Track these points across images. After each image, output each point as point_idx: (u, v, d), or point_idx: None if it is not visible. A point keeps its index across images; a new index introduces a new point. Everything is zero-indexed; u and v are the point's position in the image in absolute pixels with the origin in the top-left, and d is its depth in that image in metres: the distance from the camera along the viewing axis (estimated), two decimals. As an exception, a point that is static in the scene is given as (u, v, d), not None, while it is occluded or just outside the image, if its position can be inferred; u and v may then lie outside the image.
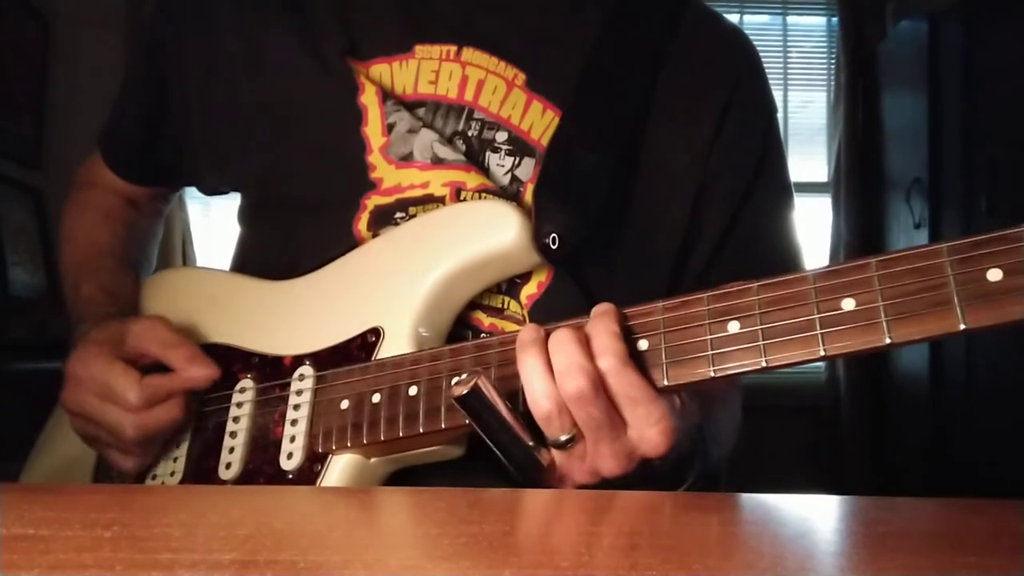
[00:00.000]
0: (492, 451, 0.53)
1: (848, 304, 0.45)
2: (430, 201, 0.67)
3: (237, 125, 0.74)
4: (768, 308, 0.48)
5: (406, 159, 0.68)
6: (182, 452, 0.68)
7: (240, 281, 0.74)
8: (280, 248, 0.74)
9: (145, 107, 0.82)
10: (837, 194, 2.89)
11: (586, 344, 0.51)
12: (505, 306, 0.67)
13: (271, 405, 0.65)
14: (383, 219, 0.68)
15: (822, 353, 0.46)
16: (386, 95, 0.69)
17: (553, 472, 0.54)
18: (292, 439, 0.62)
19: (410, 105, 0.70)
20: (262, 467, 0.63)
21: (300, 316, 0.68)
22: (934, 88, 2.45)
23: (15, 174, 2.45)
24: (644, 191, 0.71)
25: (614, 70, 0.71)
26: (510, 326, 0.66)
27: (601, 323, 0.51)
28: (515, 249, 0.62)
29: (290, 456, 0.62)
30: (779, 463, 2.55)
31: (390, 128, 0.69)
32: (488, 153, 0.69)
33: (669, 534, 0.38)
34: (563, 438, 0.52)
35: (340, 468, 0.60)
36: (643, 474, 0.53)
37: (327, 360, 0.64)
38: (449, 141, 0.69)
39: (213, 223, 2.85)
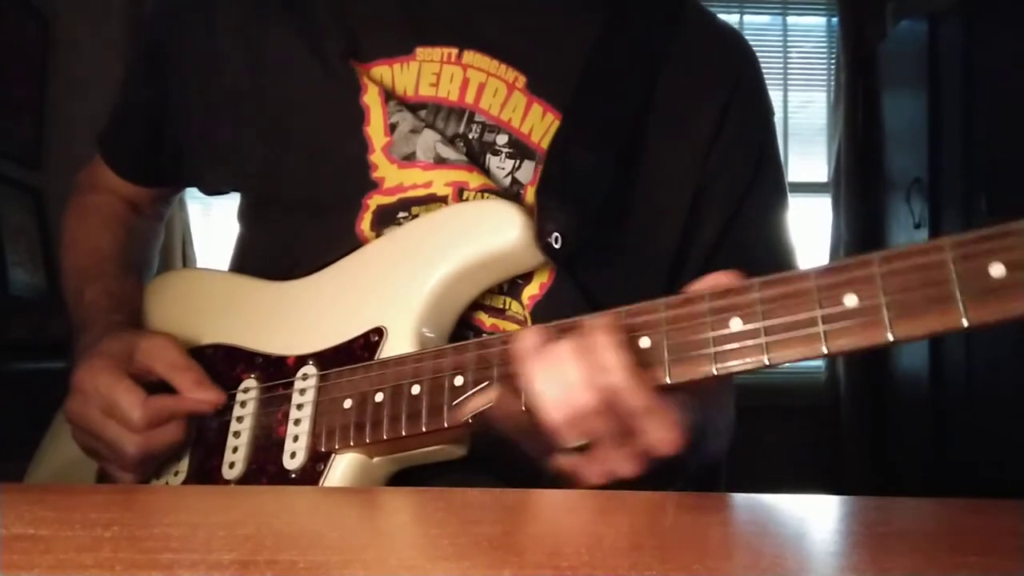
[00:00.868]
0: (500, 451, 0.53)
1: (850, 301, 0.45)
2: (433, 201, 0.67)
3: (237, 125, 0.74)
4: (770, 305, 0.48)
5: (409, 159, 0.68)
6: (186, 452, 0.68)
7: (243, 282, 0.74)
8: (281, 248, 0.73)
9: (145, 108, 0.82)
10: (837, 194, 2.89)
11: (590, 357, 0.50)
12: (507, 307, 0.67)
13: (274, 405, 0.65)
14: (386, 219, 0.68)
15: (824, 350, 0.45)
16: (388, 95, 0.69)
17: (567, 475, 0.54)
18: (295, 438, 0.62)
19: (411, 107, 0.70)
20: (265, 466, 0.63)
21: (303, 316, 0.68)
22: (934, 88, 2.45)
23: (15, 174, 2.45)
24: (644, 192, 0.71)
25: (614, 72, 0.71)
26: (512, 327, 0.67)
27: (604, 337, 0.50)
28: (518, 249, 0.62)
29: (293, 455, 0.62)
30: (779, 463, 2.56)
31: (392, 128, 0.69)
32: (489, 156, 0.69)
33: (669, 534, 0.38)
34: (575, 445, 0.52)
35: (343, 467, 0.60)
36: (653, 468, 0.53)
37: (330, 360, 0.64)
38: (451, 142, 0.69)
39: (213, 223, 2.85)
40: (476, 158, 0.69)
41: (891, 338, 0.44)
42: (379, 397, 0.59)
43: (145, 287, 0.81)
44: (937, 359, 2.41)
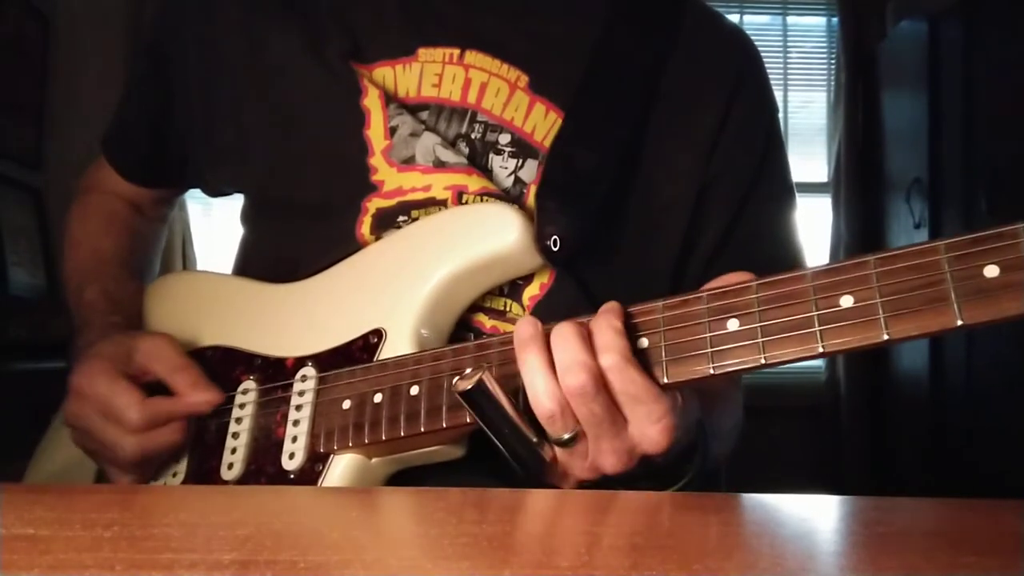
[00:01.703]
0: (495, 447, 0.53)
1: (846, 301, 0.45)
2: (432, 204, 0.67)
3: (239, 127, 0.74)
4: (767, 306, 0.48)
5: (408, 162, 0.68)
6: (184, 453, 0.68)
7: (242, 284, 0.74)
8: (282, 250, 0.74)
9: (149, 110, 0.82)
10: (837, 194, 2.89)
11: (588, 340, 0.51)
12: (507, 308, 0.67)
13: (273, 406, 0.65)
14: (385, 222, 0.68)
15: (820, 350, 0.46)
16: (389, 98, 0.69)
17: (555, 468, 0.54)
18: (294, 439, 0.62)
19: (413, 108, 0.70)
20: (264, 467, 0.63)
21: (302, 318, 0.68)
22: (934, 88, 2.45)
23: (15, 174, 2.45)
24: (646, 192, 0.71)
25: (616, 71, 0.71)
26: (512, 328, 0.66)
27: (605, 320, 0.51)
28: (517, 251, 0.62)
29: (292, 456, 0.62)
30: (779, 463, 2.55)
31: (392, 131, 0.69)
32: (491, 155, 0.69)
33: (669, 534, 0.38)
34: (566, 436, 0.52)
35: (341, 468, 0.60)
36: (643, 471, 0.53)
37: (329, 361, 0.64)
38: (452, 144, 0.69)
39: (214, 225, 2.85)
40: (478, 158, 0.69)
41: (886, 338, 0.44)
42: (378, 398, 0.59)
43: (146, 289, 0.81)
44: (937, 359, 2.41)
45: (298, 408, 0.63)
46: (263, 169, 0.74)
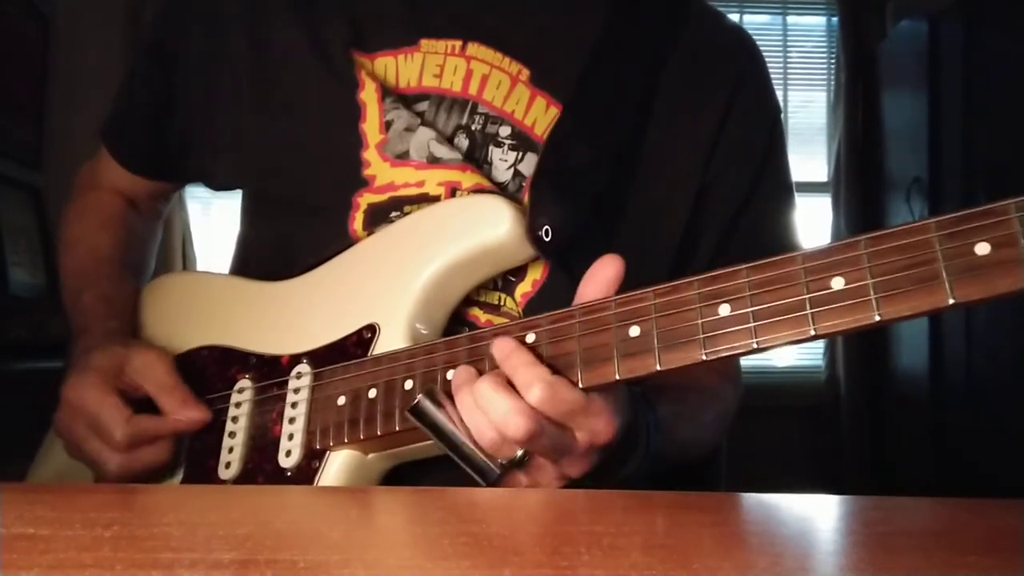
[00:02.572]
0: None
1: (837, 283, 0.45)
2: (425, 200, 0.68)
3: (239, 121, 0.74)
4: (758, 290, 0.47)
5: (402, 157, 0.68)
6: (182, 453, 0.68)
7: (236, 283, 0.74)
8: (279, 247, 0.74)
9: (151, 103, 0.81)
10: (837, 194, 2.89)
11: (508, 385, 0.51)
12: (501, 303, 0.67)
13: (269, 404, 0.65)
14: (378, 217, 0.68)
15: (813, 332, 0.45)
16: (385, 92, 0.69)
17: (517, 480, 0.55)
18: (290, 437, 0.62)
19: (413, 99, 0.70)
20: (261, 465, 0.63)
21: (296, 316, 0.68)
22: (934, 88, 2.45)
23: (15, 174, 2.44)
24: (644, 189, 0.71)
25: (616, 67, 0.71)
26: (505, 321, 0.66)
27: (513, 359, 0.52)
28: (508, 242, 0.62)
29: (288, 454, 0.62)
30: (779, 463, 2.55)
31: (388, 125, 0.69)
32: (491, 147, 0.69)
33: (668, 534, 0.38)
34: (518, 455, 0.53)
35: (338, 464, 0.60)
36: (601, 459, 0.54)
37: (324, 358, 0.64)
38: (450, 138, 0.69)
39: (213, 223, 2.84)
40: (478, 150, 0.69)
41: (878, 318, 0.44)
42: (372, 393, 0.59)
43: (141, 291, 0.81)
44: (937, 358, 2.41)
45: (294, 406, 0.63)
46: (261, 163, 0.74)
